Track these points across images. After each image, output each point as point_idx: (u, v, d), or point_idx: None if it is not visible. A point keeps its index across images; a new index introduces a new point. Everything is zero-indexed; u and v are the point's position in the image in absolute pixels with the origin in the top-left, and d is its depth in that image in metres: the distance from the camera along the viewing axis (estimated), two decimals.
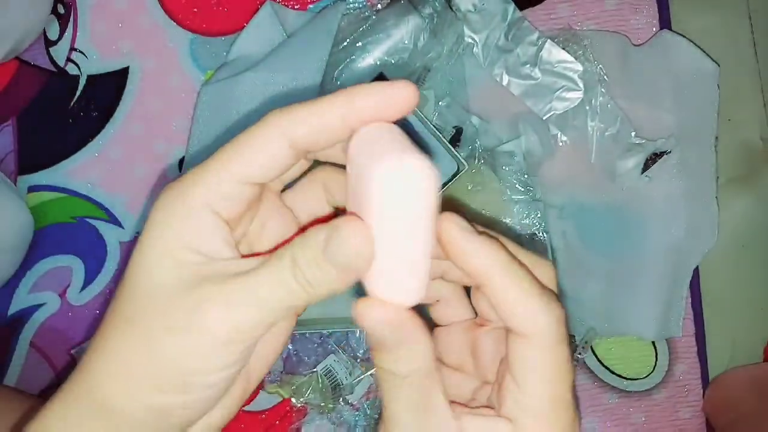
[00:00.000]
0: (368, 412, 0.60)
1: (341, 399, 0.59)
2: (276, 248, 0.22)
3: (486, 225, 0.24)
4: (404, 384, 0.22)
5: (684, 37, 0.61)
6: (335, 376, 0.58)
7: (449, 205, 0.57)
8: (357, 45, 0.55)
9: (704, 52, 0.60)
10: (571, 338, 0.53)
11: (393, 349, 0.22)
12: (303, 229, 0.26)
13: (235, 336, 0.21)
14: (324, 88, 0.54)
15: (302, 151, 0.22)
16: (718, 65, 0.60)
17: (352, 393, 0.59)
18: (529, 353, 0.22)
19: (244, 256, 0.23)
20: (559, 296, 0.23)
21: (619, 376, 0.62)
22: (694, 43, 0.61)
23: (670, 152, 0.59)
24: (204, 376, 0.21)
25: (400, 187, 0.19)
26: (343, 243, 0.20)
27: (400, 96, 0.21)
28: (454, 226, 0.22)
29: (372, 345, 0.22)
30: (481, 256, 0.22)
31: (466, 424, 0.23)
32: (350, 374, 0.58)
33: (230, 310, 0.21)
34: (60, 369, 0.63)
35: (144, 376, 0.21)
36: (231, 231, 0.22)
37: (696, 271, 0.62)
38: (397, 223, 0.20)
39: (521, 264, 0.22)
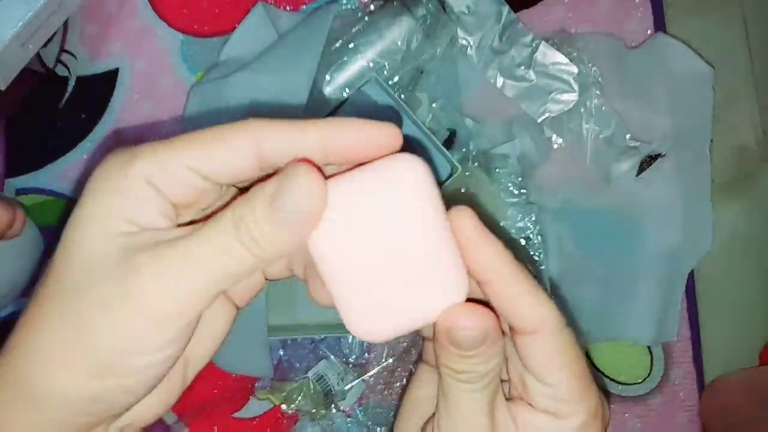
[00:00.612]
0: (361, 418, 0.60)
1: (333, 405, 0.58)
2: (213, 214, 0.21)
3: (493, 227, 0.23)
4: (480, 384, 0.22)
5: (678, 39, 0.61)
6: (327, 382, 0.58)
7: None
8: (349, 46, 0.55)
9: (699, 55, 0.60)
10: None
11: (477, 349, 0.21)
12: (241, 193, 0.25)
13: (173, 309, 0.19)
14: (315, 90, 0.53)
15: (267, 164, 0.21)
16: (713, 68, 0.60)
17: (344, 399, 0.58)
18: (542, 346, 0.22)
19: (181, 225, 0.21)
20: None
21: (615, 381, 0.62)
22: (689, 46, 0.60)
23: (664, 155, 0.59)
24: (142, 356, 0.20)
25: (407, 186, 0.19)
26: (295, 189, 0.19)
27: (384, 138, 0.21)
28: (469, 219, 0.22)
29: (450, 350, 0.21)
30: (492, 251, 0.22)
31: (518, 422, 0.23)
32: (342, 380, 0.58)
33: (165, 278, 0.19)
34: None
35: (76, 357, 0.20)
36: (174, 209, 0.21)
37: (691, 275, 0.61)
38: (418, 223, 0.20)
39: (520, 262, 0.23)
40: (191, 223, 0.22)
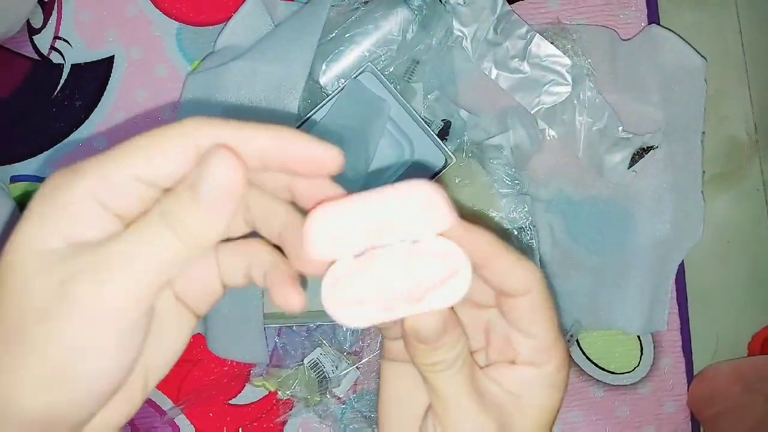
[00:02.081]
0: (355, 405, 0.60)
1: (328, 392, 0.59)
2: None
3: (473, 218, 0.25)
4: (454, 368, 0.24)
5: (672, 32, 0.61)
6: (322, 369, 0.58)
7: None
8: (345, 36, 0.55)
9: (692, 47, 0.61)
10: None
11: (440, 340, 0.23)
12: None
13: (113, 309, 0.19)
14: (311, 80, 0.53)
15: None
16: (706, 60, 0.60)
17: (338, 386, 0.59)
18: (531, 304, 0.24)
19: None
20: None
21: (605, 370, 0.62)
22: (682, 38, 0.61)
23: (657, 147, 0.59)
24: (88, 363, 0.19)
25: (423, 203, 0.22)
26: (212, 173, 0.19)
27: (326, 160, 0.22)
28: (455, 222, 0.23)
29: (417, 345, 0.24)
30: (481, 239, 0.24)
31: (502, 382, 0.25)
32: (337, 367, 0.58)
33: (101, 279, 0.19)
34: None
35: (22, 372, 0.19)
36: (121, 224, 0.20)
37: (681, 266, 0.62)
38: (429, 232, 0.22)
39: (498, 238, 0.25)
40: None
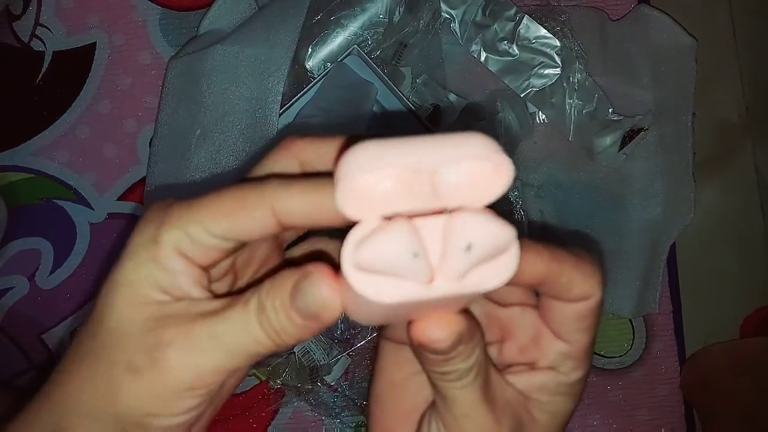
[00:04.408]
0: (347, 392, 0.60)
1: (319, 380, 0.58)
2: (253, 284, 0.22)
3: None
4: (468, 378, 0.22)
5: (662, 11, 0.60)
6: (313, 357, 0.58)
7: None
8: (331, 19, 0.54)
9: (682, 27, 0.60)
10: None
11: (455, 350, 0.21)
12: (277, 269, 0.25)
13: (196, 382, 0.21)
14: (297, 63, 0.52)
15: (289, 226, 0.22)
16: (696, 40, 0.60)
17: (329, 374, 0.58)
18: (580, 310, 0.23)
19: (218, 296, 0.23)
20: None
21: (597, 353, 0.62)
22: (673, 19, 0.60)
23: (647, 129, 0.59)
24: (163, 419, 0.21)
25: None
26: (311, 292, 0.20)
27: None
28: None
29: (430, 357, 0.22)
30: (543, 257, 0.22)
31: (518, 384, 0.24)
32: (328, 355, 0.58)
33: (191, 354, 0.21)
34: (30, 354, 0.62)
35: (103, 416, 0.21)
36: (205, 273, 0.22)
37: (672, 249, 0.62)
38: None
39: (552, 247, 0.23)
40: (228, 293, 0.24)
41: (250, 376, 0.59)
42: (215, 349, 0.21)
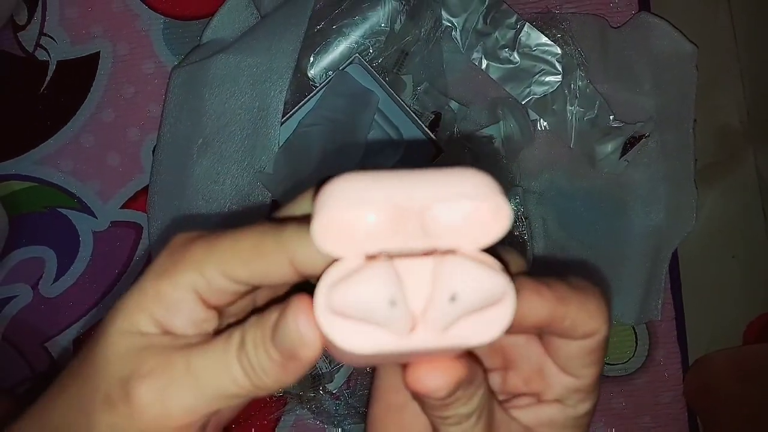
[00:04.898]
0: (349, 401, 0.60)
1: (321, 388, 0.58)
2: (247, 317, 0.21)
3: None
4: (470, 422, 0.21)
5: (663, 19, 0.60)
6: (315, 365, 0.58)
7: None
8: (333, 27, 0.54)
9: (683, 34, 0.60)
10: None
11: (453, 396, 0.20)
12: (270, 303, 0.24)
13: (168, 422, 0.20)
14: (298, 72, 0.53)
15: (305, 274, 0.20)
16: (697, 47, 0.60)
17: (331, 381, 0.58)
18: (589, 347, 0.22)
19: (219, 331, 0.21)
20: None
21: None
22: (673, 26, 0.60)
23: (648, 136, 0.59)
24: None
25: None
26: (287, 327, 0.19)
27: None
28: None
29: (428, 401, 0.20)
30: (548, 298, 0.20)
31: (523, 419, 0.23)
32: (330, 362, 0.58)
33: (164, 391, 0.19)
34: (33, 362, 0.62)
35: None
36: (214, 312, 0.21)
37: (675, 255, 0.61)
38: None
39: (550, 285, 0.21)
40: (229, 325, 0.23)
41: None
42: (190, 386, 0.19)
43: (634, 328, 0.62)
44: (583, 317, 0.21)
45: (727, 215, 0.64)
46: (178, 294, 0.20)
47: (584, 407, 0.23)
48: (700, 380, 0.62)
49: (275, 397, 0.60)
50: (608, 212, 0.60)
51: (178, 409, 0.19)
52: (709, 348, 0.63)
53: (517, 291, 0.18)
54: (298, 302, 0.19)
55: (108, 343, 0.20)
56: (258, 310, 0.23)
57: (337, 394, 0.60)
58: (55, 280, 0.61)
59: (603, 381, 0.60)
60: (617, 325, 0.61)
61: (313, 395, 0.58)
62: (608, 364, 0.62)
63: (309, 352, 0.19)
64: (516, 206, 0.57)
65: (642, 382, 0.62)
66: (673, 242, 0.60)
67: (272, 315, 0.19)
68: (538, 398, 0.23)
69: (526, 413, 0.23)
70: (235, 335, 0.20)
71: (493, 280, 0.16)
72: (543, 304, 0.20)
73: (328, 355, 0.58)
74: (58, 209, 0.61)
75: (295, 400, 0.59)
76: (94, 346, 0.21)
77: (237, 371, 0.19)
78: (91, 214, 0.61)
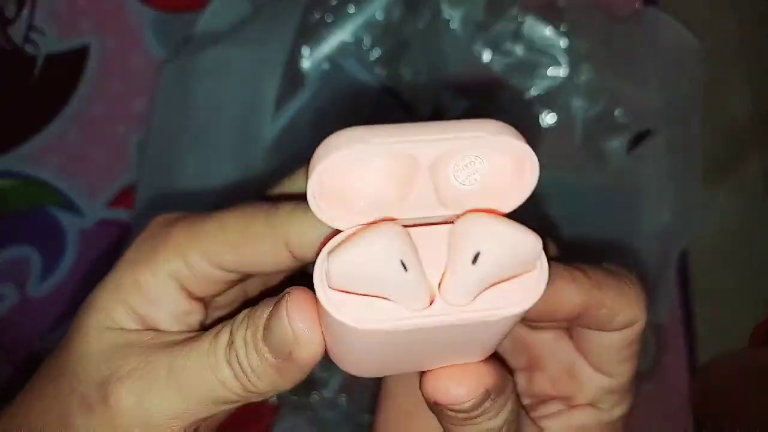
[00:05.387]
0: (345, 407, 0.58)
1: (315, 393, 0.57)
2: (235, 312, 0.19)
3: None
4: (504, 429, 0.19)
5: (668, 13, 0.59)
6: (316, 367, 0.56)
7: None
8: (327, 19, 0.53)
9: (688, 29, 0.59)
10: None
11: (482, 408, 0.18)
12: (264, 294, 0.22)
13: (148, 428, 0.18)
14: (292, 65, 0.52)
15: (301, 257, 0.19)
16: (703, 43, 0.59)
17: (326, 386, 0.57)
18: (623, 339, 0.20)
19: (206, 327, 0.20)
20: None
21: None
22: (678, 20, 0.59)
23: (654, 131, 0.58)
24: None
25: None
26: (280, 323, 0.16)
27: None
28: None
29: (449, 415, 0.18)
30: (583, 286, 0.19)
31: (553, 429, 0.21)
32: (324, 368, 0.56)
33: (144, 395, 0.18)
34: (21, 364, 0.61)
35: None
36: (199, 304, 0.19)
37: (682, 257, 0.60)
38: None
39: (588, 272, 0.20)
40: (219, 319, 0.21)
41: None
42: (174, 390, 0.18)
43: None
44: (621, 305, 0.19)
45: (735, 214, 0.63)
46: (158, 283, 0.19)
47: (619, 410, 0.21)
48: (708, 384, 0.61)
49: (268, 403, 0.59)
50: (614, 210, 0.60)
51: (161, 415, 0.18)
52: (717, 351, 0.62)
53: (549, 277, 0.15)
54: (294, 294, 0.16)
55: (85, 340, 0.19)
56: (250, 302, 0.21)
57: (333, 398, 0.58)
58: (42, 280, 0.60)
59: None
60: None
61: (307, 401, 0.56)
62: None
63: (307, 353, 0.17)
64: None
65: (648, 387, 0.61)
66: (681, 242, 0.60)
67: (264, 309, 0.17)
68: (568, 403, 0.21)
69: (555, 423, 0.21)
70: (224, 333, 0.18)
71: (521, 237, 0.14)
72: (578, 290, 0.18)
73: (323, 359, 0.56)
74: (44, 207, 0.60)
75: (287, 408, 0.57)
76: (70, 343, 0.19)
77: (226, 374, 0.18)
78: (78, 211, 0.60)
